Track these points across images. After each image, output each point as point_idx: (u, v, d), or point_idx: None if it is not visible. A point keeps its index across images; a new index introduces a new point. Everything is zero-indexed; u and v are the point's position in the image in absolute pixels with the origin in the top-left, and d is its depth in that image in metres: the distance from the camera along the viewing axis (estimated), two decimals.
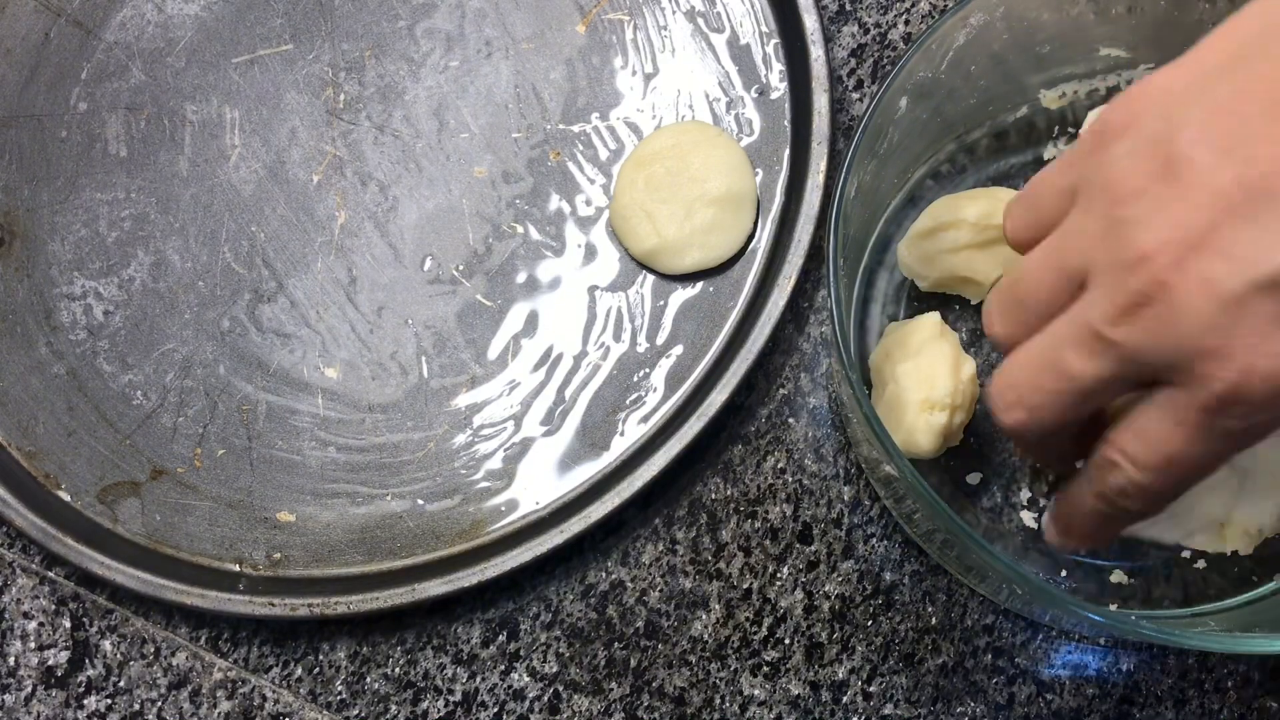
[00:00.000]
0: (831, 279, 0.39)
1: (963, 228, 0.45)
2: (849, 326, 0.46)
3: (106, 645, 0.48)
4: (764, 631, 0.47)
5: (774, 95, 0.51)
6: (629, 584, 0.48)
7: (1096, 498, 0.35)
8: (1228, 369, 0.29)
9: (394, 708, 0.47)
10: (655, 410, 0.49)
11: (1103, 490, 0.34)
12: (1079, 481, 0.36)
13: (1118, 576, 0.45)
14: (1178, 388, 0.31)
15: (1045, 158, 0.49)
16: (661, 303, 0.50)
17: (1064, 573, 0.45)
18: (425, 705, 0.47)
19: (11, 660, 0.48)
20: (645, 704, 0.47)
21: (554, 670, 0.47)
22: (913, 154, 0.48)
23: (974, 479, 0.47)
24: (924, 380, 0.43)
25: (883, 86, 0.40)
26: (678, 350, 0.49)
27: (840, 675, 0.47)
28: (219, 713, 0.47)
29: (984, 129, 0.49)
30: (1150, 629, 0.36)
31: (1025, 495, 0.47)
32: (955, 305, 0.48)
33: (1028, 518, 0.46)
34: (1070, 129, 0.49)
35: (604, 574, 0.48)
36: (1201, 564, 0.45)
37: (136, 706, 0.48)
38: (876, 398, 0.45)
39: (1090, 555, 0.45)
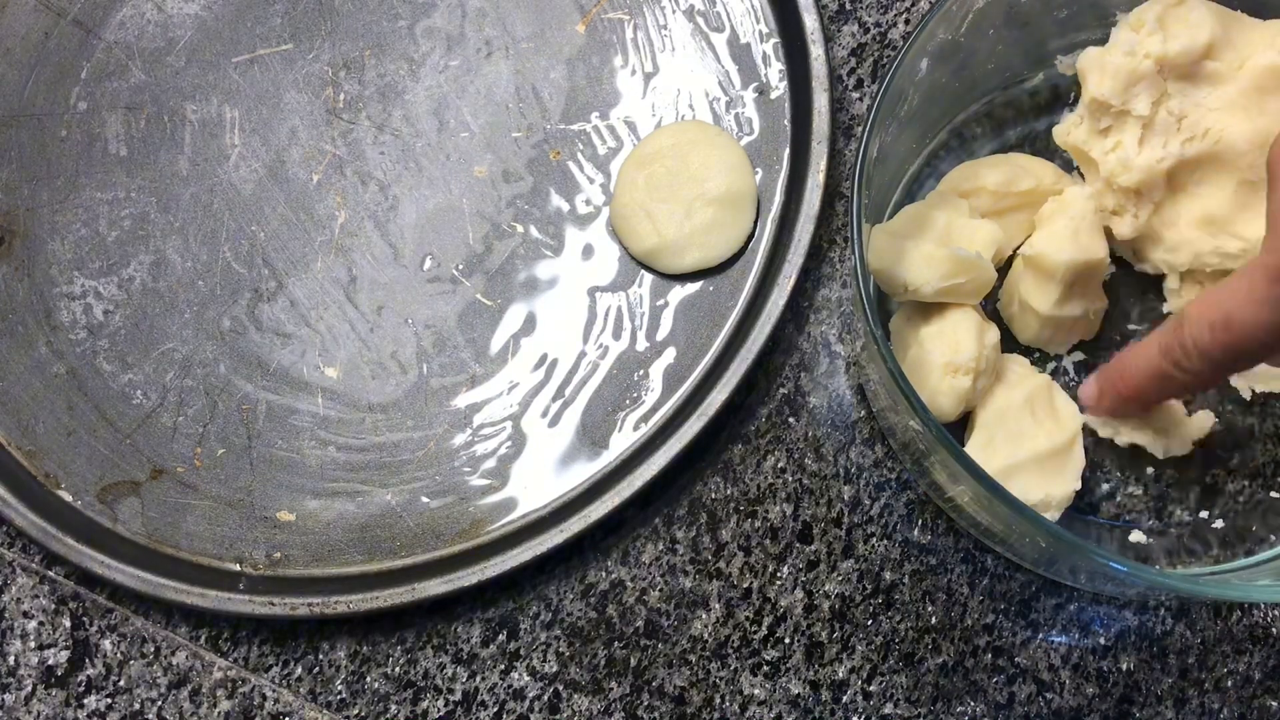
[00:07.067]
0: (855, 238, 0.39)
1: (982, 195, 0.46)
2: (871, 286, 0.46)
3: (106, 644, 0.48)
4: (764, 631, 0.47)
5: (774, 95, 0.51)
6: (629, 583, 0.48)
7: (1161, 354, 0.39)
8: None
9: (394, 707, 0.47)
10: (655, 410, 0.49)
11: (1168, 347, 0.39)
12: (1137, 347, 0.41)
13: (1137, 536, 0.45)
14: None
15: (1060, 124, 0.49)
16: (661, 302, 0.50)
17: None
18: (425, 704, 0.47)
19: (11, 659, 0.48)
20: (645, 703, 0.47)
21: (554, 669, 0.47)
22: (931, 118, 0.48)
23: None
24: (948, 344, 0.43)
25: (904, 46, 0.41)
26: (677, 350, 0.49)
27: (840, 675, 0.47)
28: (219, 712, 0.47)
29: (1002, 95, 0.50)
30: (1173, 578, 0.37)
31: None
32: None
33: None
34: None
35: (604, 573, 0.48)
36: (1220, 524, 0.45)
37: (136, 706, 0.48)
38: (898, 360, 0.45)
39: (1113, 519, 0.46)
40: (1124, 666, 0.47)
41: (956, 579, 0.47)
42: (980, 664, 0.47)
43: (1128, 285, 0.48)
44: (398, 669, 0.47)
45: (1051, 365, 0.48)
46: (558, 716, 0.47)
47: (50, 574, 0.49)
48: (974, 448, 0.44)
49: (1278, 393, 0.47)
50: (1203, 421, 0.46)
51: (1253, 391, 0.47)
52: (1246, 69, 0.44)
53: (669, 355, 0.49)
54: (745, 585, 0.48)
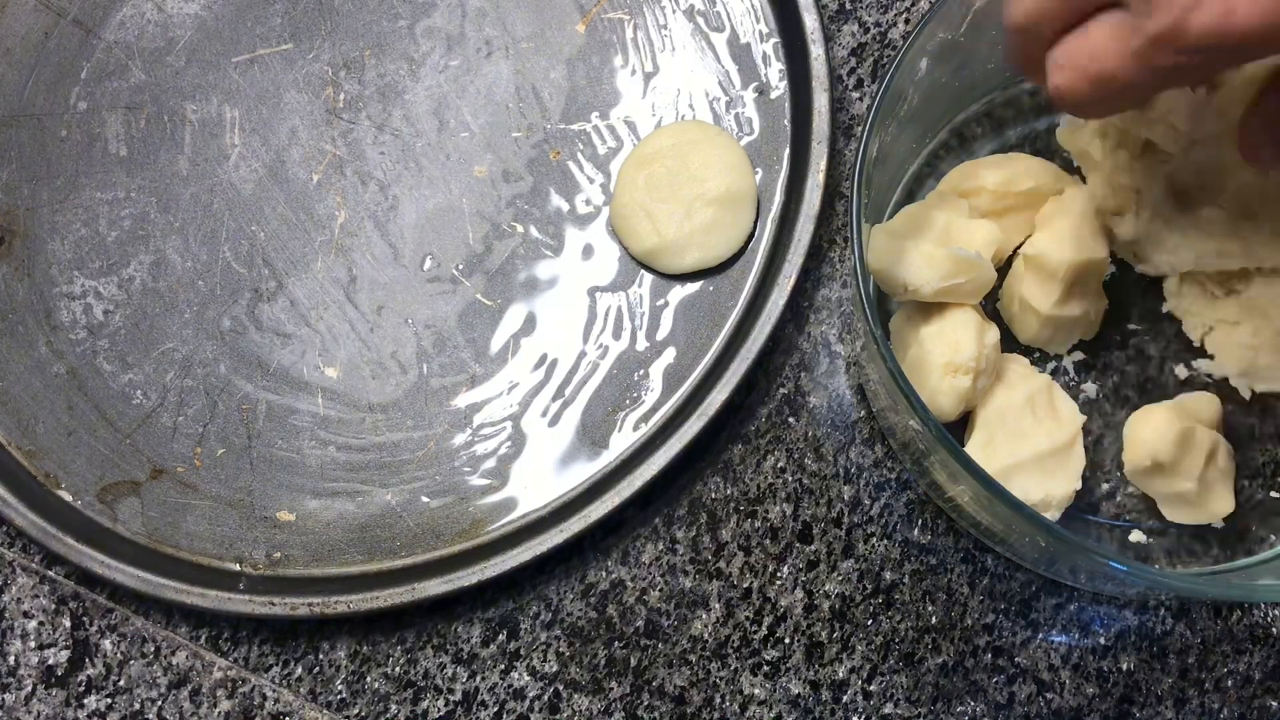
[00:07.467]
0: (855, 238, 0.39)
1: (982, 195, 0.46)
2: (871, 286, 0.46)
3: (106, 644, 0.48)
4: (764, 631, 0.47)
5: (774, 94, 0.51)
6: (629, 583, 0.48)
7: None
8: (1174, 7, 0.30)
9: (394, 707, 0.47)
10: (655, 409, 0.49)
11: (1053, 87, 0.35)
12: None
13: (1137, 536, 0.45)
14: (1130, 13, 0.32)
15: (1061, 124, 0.49)
16: (661, 302, 0.50)
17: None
18: (425, 704, 0.47)
19: (11, 659, 0.48)
20: (645, 703, 0.47)
21: (554, 669, 0.47)
22: (931, 118, 0.48)
23: None
24: (948, 344, 0.43)
25: (904, 46, 0.41)
26: (677, 350, 0.49)
27: (840, 674, 0.47)
28: (219, 712, 0.47)
29: (1002, 95, 0.50)
30: (1173, 578, 0.37)
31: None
32: None
33: None
34: None
35: (604, 573, 0.48)
36: (1220, 524, 0.45)
37: (136, 706, 0.48)
38: (898, 360, 0.45)
39: (1113, 519, 0.46)
40: (1124, 666, 0.47)
41: (956, 579, 0.47)
42: (980, 664, 0.47)
43: (1128, 285, 0.48)
44: (398, 669, 0.47)
45: (1051, 365, 0.48)
46: (558, 716, 0.47)
47: (50, 574, 0.49)
48: (974, 448, 0.44)
49: (1278, 392, 0.47)
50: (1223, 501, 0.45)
51: (1253, 391, 0.47)
52: (1247, 72, 0.44)
53: (669, 355, 0.49)
54: (745, 585, 0.48)
